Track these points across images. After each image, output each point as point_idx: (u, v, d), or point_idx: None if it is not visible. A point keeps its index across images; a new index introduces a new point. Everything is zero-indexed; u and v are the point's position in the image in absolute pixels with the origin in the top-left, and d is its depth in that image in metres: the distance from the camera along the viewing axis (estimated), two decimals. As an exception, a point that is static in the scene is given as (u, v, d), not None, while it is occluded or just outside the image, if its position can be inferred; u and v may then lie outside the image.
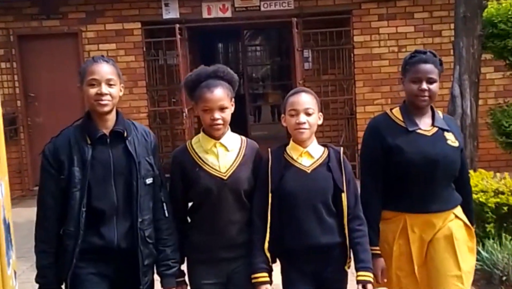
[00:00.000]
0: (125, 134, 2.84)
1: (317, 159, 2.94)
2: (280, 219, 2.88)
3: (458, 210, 3.09)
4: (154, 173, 2.89)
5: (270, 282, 2.90)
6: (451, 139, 3.03)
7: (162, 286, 2.94)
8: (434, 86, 2.98)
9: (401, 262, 3.03)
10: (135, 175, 2.81)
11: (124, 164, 2.82)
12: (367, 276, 2.86)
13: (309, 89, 3.08)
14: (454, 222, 3.04)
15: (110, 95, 2.77)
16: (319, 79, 9.69)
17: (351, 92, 9.46)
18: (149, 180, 2.85)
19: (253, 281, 2.86)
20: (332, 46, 9.46)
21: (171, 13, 9.38)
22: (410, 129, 3.01)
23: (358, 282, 2.86)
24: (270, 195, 2.88)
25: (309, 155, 2.94)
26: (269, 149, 3.00)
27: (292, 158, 2.93)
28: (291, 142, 2.96)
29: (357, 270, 2.89)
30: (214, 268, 2.94)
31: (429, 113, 3.09)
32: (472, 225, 3.15)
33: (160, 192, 2.93)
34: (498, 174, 5.30)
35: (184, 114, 8.74)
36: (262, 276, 2.87)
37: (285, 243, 2.88)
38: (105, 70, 2.79)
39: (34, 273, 2.82)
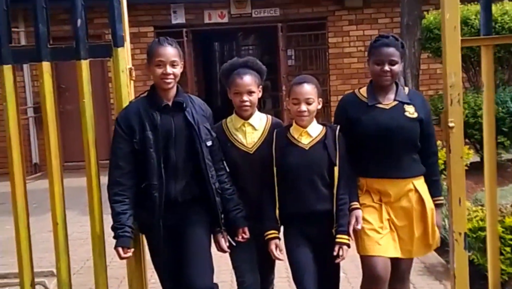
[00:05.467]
0: (184, 105, 3.04)
1: (315, 137, 3.08)
2: (283, 189, 3.07)
3: (419, 182, 3.13)
4: (212, 137, 3.10)
5: (279, 238, 3.12)
6: (410, 111, 3.08)
7: (237, 226, 3.13)
8: (396, 67, 3.04)
9: (366, 219, 3.11)
10: (197, 139, 3.01)
11: (184, 130, 3.01)
12: (344, 238, 3.02)
13: (311, 77, 3.18)
14: (412, 195, 3.10)
15: (173, 74, 2.97)
16: (300, 73, 9.00)
17: (326, 84, 10.34)
18: (209, 143, 3.06)
19: (266, 238, 3.07)
20: (310, 46, 10.43)
21: (178, 19, 10.39)
22: (370, 104, 3.10)
23: (336, 243, 3.02)
24: (275, 169, 3.08)
25: (308, 134, 3.07)
26: (275, 130, 3.16)
27: (294, 138, 3.09)
28: (293, 123, 3.12)
29: (336, 233, 3.05)
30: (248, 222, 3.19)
31: (393, 89, 3.14)
32: (437, 195, 3.19)
33: (219, 151, 3.15)
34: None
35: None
36: (273, 232, 3.07)
37: (287, 209, 3.07)
38: (170, 52, 2.97)
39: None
